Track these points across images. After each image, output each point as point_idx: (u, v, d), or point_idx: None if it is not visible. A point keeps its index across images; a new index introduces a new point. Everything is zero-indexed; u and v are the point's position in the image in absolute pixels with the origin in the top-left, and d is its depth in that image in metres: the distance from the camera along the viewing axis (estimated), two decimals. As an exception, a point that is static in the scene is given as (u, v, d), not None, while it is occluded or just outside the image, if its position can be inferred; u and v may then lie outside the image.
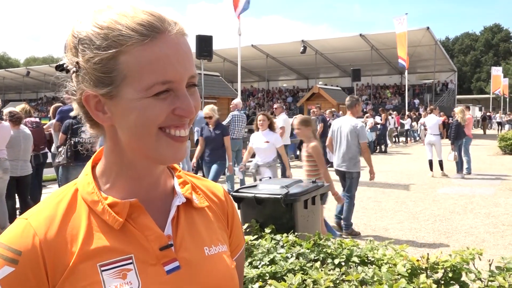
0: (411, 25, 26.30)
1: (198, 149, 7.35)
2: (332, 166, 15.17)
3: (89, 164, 0.84)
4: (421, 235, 6.22)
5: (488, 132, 33.15)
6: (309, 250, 2.67)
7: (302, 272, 2.34)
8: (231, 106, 10.29)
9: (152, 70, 0.71)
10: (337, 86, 28.09)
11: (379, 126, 18.81)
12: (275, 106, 11.58)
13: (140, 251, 0.76)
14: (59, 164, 6.20)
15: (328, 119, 13.95)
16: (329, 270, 2.38)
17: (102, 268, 0.73)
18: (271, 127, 6.76)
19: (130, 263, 0.75)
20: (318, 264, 2.43)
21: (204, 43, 12.29)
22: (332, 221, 6.95)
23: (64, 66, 0.77)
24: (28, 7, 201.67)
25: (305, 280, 2.17)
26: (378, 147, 18.90)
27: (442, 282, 2.26)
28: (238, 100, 10.28)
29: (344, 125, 6.25)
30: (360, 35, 32.05)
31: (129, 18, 0.71)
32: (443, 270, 2.29)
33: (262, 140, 6.66)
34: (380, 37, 32.03)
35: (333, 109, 15.27)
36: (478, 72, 70.40)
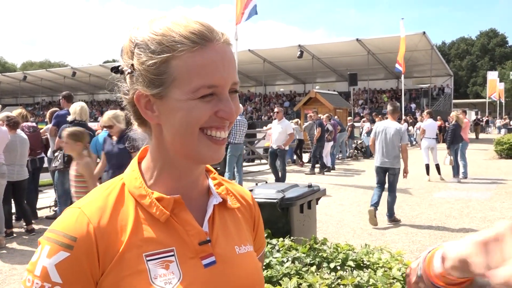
0: (407, 30, 26.30)
1: (99, 166, 5.25)
2: (329, 171, 15.13)
3: (135, 160, 0.90)
4: (417, 239, 6.23)
5: (484, 136, 33.21)
6: (305, 254, 2.68)
7: (298, 276, 2.34)
8: (232, 111, 10.22)
9: (199, 74, 0.77)
10: (334, 90, 28.12)
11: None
12: (276, 110, 10.90)
13: (181, 244, 0.82)
14: (55, 169, 6.18)
15: (325, 123, 13.97)
16: (325, 274, 2.39)
17: (148, 258, 0.79)
18: None
19: (172, 255, 0.80)
20: (313, 268, 2.44)
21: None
22: (330, 225, 6.96)
23: (119, 68, 0.84)
24: (24, 12, 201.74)
25: (301, 284, 2.18)
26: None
27: (437, 286, 2.27)
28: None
29: (388, 128, 7.22)
30: (357, 39, 32.12)
31: (182, 26, 0.78)
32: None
33: None
34: (376, 42, 32.12)
35: (330, 114, 15.30)
36: (474, 77, 70.69)
